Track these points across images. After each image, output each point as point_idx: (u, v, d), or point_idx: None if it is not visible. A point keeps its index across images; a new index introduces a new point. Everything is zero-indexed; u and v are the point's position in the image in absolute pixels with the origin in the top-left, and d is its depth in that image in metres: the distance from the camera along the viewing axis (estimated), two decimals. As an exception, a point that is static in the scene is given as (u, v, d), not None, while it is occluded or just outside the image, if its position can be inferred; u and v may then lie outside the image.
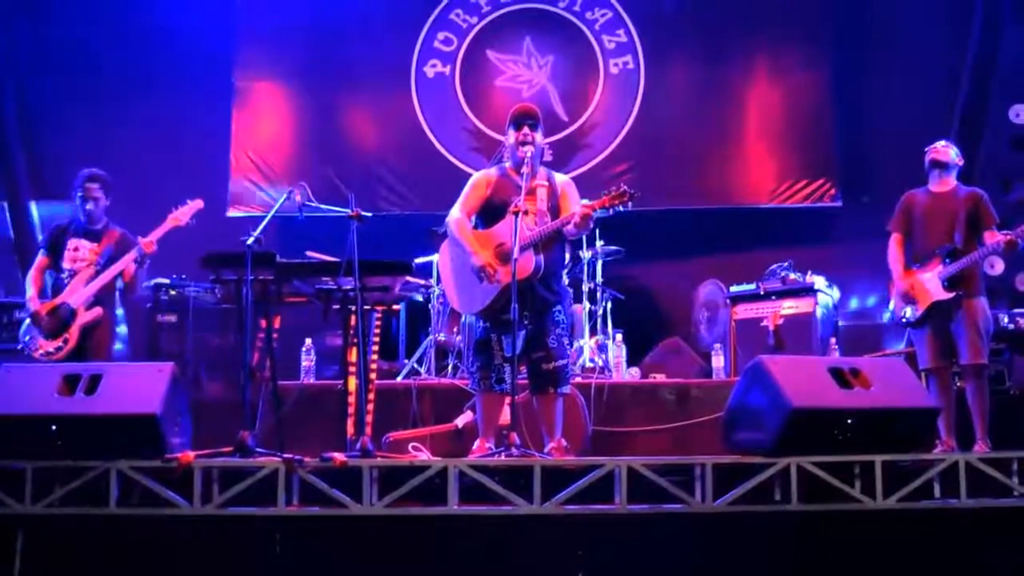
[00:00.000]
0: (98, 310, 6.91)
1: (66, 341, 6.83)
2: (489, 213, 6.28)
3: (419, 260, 8.72)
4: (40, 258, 7.15)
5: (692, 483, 5.26)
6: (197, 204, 7.16)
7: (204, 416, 6.53)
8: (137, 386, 5.28)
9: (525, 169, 6.10)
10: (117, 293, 7.10)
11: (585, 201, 6.16)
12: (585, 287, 8.79)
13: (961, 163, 7.07)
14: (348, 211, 5.89)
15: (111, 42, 10.67)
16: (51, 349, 6.81)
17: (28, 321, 6.93)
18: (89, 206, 7.11)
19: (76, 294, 6.88)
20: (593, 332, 8.74)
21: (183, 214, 7.08)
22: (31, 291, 7.00)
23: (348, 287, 5.89)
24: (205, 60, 10.58)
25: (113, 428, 5.16)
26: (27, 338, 6.90)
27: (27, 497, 5.11)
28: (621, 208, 6.00)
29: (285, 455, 5.25)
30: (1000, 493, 5.47)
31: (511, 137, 6.29)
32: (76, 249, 7.04)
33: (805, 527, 5.29)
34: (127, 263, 6.96)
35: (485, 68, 10.60)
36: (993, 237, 6.71)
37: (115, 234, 7.14)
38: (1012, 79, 9.67)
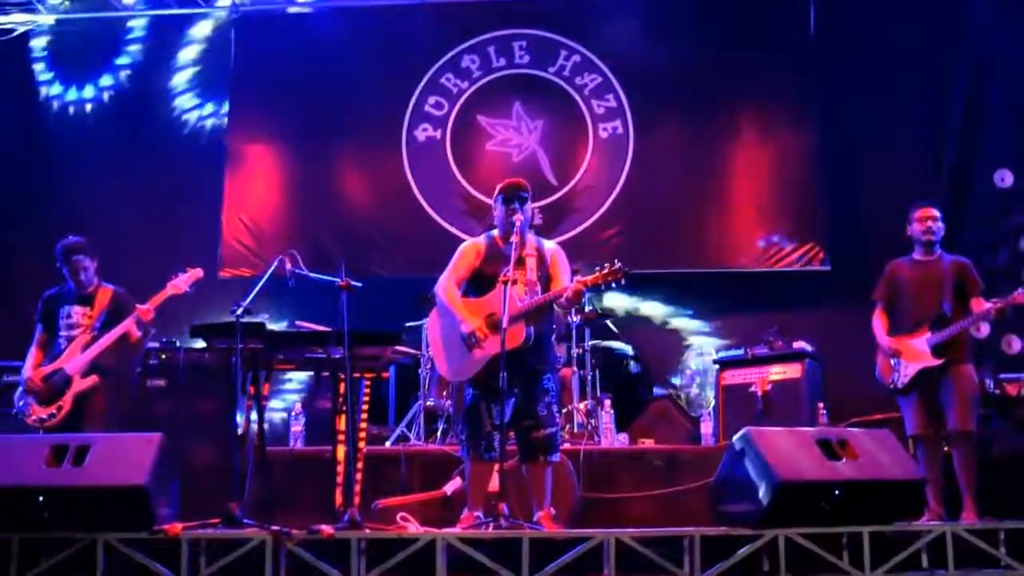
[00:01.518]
0: (94, 378, 6.86)
1: (60, 408, 6.78)
2: (480, 282, 6.30)
3: (409, 324, 8.77)
4: (39, 335, 7.13)
5: (681, 554, 5.28)
6: (197, 273, 7.13)
7: (193, 482, 6.51)
8: (125, 457, 5.29)
9: (514, 239, 6.11)
10: (114, 358, 7.00)
11: (578, 277, 6.15)
12: (574, 351, 8.80)
13: (943, 232, 7.11)
14: (338, 280, 5.92)
15: (106, 106, 10.82)
16: (44, 416, 6.77)
17: (21, 387, 6.90)
18: (81, 277, 7.08)
19: (72, 361, 6.84)
20: (582, 397, 8.74)
21: (183, 282, 7.04)
22: (28, 362, 6.99)
23: (337, 356, 5.90)
24: (199, 122, 10.67)
25: (101, 499, 5.17)
26: (21, 403, 6.86)
27: (13, 569, 5.10)
28: (614, 285, 6.03)
29: (273, 527, 5.24)
30: (988, 563, 5.48)
31: (499, 209, 6.33)
32: (70, 316, 7.02)
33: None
34: (128, 327, 6.90)
35: (476, 132, 10.68)
36: (981, 306, 6.76)
37: (108, 294, 7.10)
38: (997, 143, 9.76)
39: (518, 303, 5.96)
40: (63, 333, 6.98)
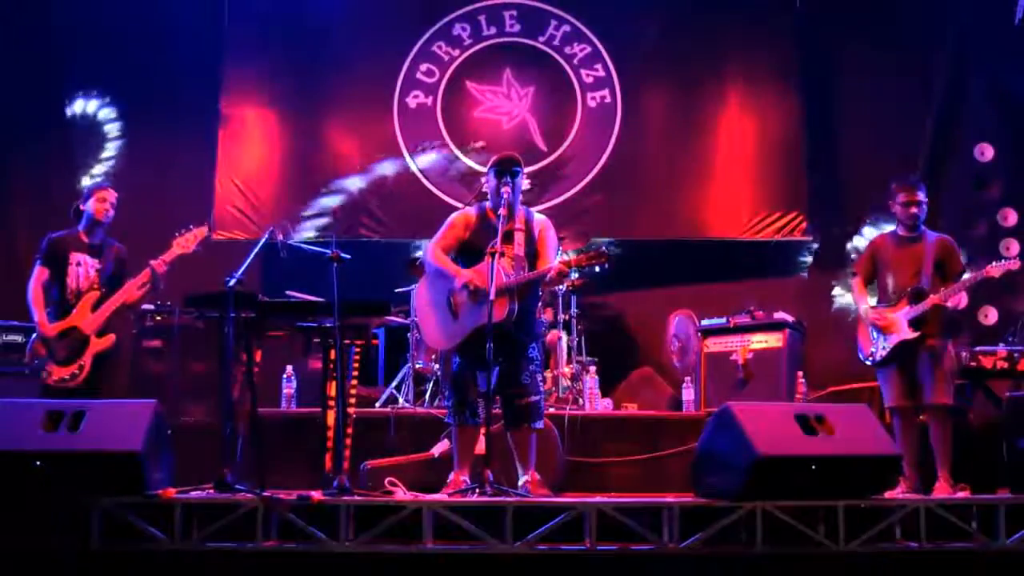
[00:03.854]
0: (111, 336, 6.78)
1: (81, 368, 6.69)
2: (467, 254, 6.40)
3: (399, 290, 8.88)
4: (38, 269, 6.91)
5: (660, 523, 5.43)
6: (202, 231, 6.95)
7: (186, 441, 6.61)
8: (120, 423, 5.35)
9: (502, 212, 6.19)
10: (119, 319, 6.93)
11: (562, 256, 6.25)
12: (561, 317, 8.93)
13: (927, 211, 7.18)
14: (328, 252, 6.01)
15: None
16: (66, 376, 6.67)
17: (37, 345, 6.77)
18: (100, 216, 6.93)
19: (86, 319, 6.74)
20: (568, 361, 8.87)
21: (188, 241, 6.86)
22: (38, 314, 6.80)
23: (328, 325, 5.99)
24: (194, 84, 10.65)
25: (96, 464, 5.26)
26: (36, 362, 6.75)
27: (10, 530, 5.21)
28: (597, 269, 6.14)
29: (263, 493, 5.37)
30: (960, 537, 5.64)
31: (492, 181, 6.40)
32: (79, 264, 6.87)
33: (770, 569, 5.46)
34: (135, 287, 6.82)
35: (466, 99, 10.69)
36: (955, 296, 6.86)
37: (114, 250, 7.01)
38: (979, 117, 9.83)
39: (503, 277, 6.05)
40: (71, 282, 6.83)
